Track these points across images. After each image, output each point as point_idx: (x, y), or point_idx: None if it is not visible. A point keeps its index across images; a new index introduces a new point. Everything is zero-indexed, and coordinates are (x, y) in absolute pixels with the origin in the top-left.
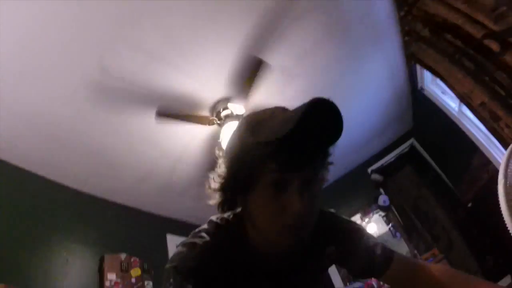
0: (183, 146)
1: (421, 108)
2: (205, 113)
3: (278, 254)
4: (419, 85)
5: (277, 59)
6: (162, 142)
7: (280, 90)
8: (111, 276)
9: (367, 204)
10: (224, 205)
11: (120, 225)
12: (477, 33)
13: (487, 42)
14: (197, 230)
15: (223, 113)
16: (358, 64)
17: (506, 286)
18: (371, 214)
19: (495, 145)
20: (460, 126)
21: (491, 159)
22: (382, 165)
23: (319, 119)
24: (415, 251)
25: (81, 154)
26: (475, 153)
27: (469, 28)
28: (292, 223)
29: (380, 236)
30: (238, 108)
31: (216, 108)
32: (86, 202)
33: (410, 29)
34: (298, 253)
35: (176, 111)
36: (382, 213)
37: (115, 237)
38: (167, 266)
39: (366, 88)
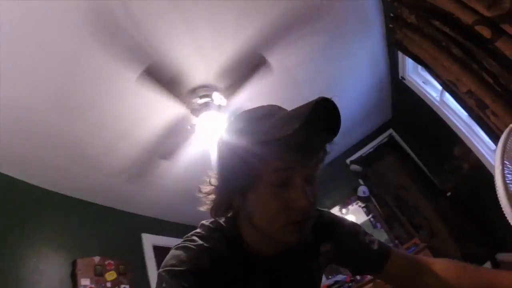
0: (157, 136)
1: (401, 98)
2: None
3: (274, 254)
4: (400, 74)
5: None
6: (136, 133)
7: (267, 90)
8: (84, 281)
9: (346, 195)
10: (219, 208)
11: (93, 226)
12: (468, 19)
13: (478, 28)
14: (189, 234)
15: (203, 100)
16: (342, 52)
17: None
18: (350, 205)
19: (476, 134)
20: (441, 115)
21: (472, 148)
22: (361, 155)
23: (321, 117)
24: (396, 241)
25: (49, 149)
26: (455, 142)
27: (460, 14)
28: (298, 219)
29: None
30: (221, 100)
31: (198, 93)
32: (56, 202)
33: (396, 16)
34: (294, 252)
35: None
36: (362, 204)
37: (88, 239)
38: (160, 271)
39: (348, 76)
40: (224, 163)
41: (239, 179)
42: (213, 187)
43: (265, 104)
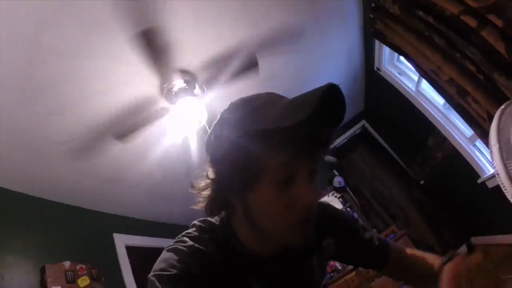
0: (115, 112)
1: (375, 89)
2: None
3: (273, 254)
4: (376, 65)
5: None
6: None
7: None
8: None
9: (321, 186)
10: (214, 206)
11: (61, 228)
12: (454, 9)
13: (464, 18)
14: (180, 235)
15: (182, 85)
16: (321, 41)
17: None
18: (326, 196)
19: (452, 123)
20: (417, 105)
21: (447, 136)
22: (335, 146)
23: (327, 105)
24: (374, 230)
25: (7, 144)
26: (430, 133)
27: (446, 4)
28: (303, 218)
29: None
30: (201, 90)
31: (181, 75)
32: (19, 203)
33: (377, 6)
34: (293, 252)
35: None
36: (338, 194)
37: (56, 242)
38: (149, 275)
39: (325, 66)
40: (221, 156)
41: (240, 174)
42: (209, 182)
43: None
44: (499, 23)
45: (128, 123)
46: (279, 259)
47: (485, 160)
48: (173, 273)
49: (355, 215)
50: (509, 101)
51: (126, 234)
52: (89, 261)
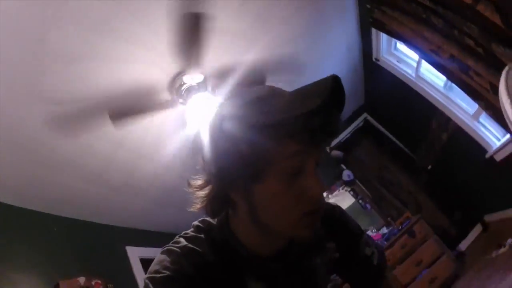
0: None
1: (375, 80)
2: (165, 97)
3: (273, 253)
4: (374, 56)
5: (234, 21)
6: (121, 136)
7: (239, 54)
8: None
9: (330, 182)
10: (215, 205)
11: (73, 243)
12: None
13: None
14: (177, 236)
15: (183, 88)
16: (319, 37)
17: None
18: (337, 191)
19: (453, 102)
20: (418, 90)
21: (450, 116)
22: (340, 141)
23: (333, 95)
24: (389, 219)
25: (11, 157)
26: (432, 115)
27: None
28: (313, 208)
29: (350, 209)
30: (196, 77)
31: (174, 86)
32: (27, 220)
33: None
34: (294, 250)
35: (130, 107)
36: (348, 188)
37: (68, 258)
38: (144, 277)
39: (325, 61)
40: (223, 149)
41: (245, 167)
42: (208, 179)
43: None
44: None
45: (127, 105)
46: (279, 258)
47: (491, 134)
48: (166, 274)
49: (368, 206)
50: (510, 63)
51: (139, 247)
52: (104, 275)
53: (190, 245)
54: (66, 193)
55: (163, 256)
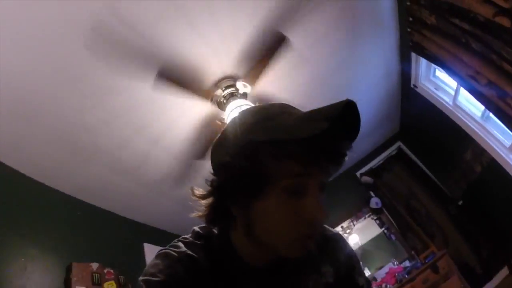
0: (188, 137)
1: (411, 107)
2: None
3: (268, 266)
4: (412, 82)
5: (293, 41)
6: (151, 125)
7: (287, 74)
8: None
9: (357, 208)
10: (215, 215)
11: (92, 229)
12: (488, 12)
13: (498, 19)
14: (176, 239)
15: (227, 91)
16: (357, 57)
17: None
18: (363, 218)
19: (490, 133)
20: (454, 119)
21: (485, 148)
22: (371, 167)
23: (344, 121)
24: (412, 252)
25: (49, 138)
26: (467, 146)
27: (479, 8)
28: (309, 232)
29: (374, 239)
30: (245, 87)
31: (221, 85)
32: (52, 199)
33: (415, 18)
34: (290, 265)
35: (178, 77)
36: (374, 216)
37: (85, 243)
38: (140, 278)
39: (361, 83)
40: (228, 162)
41: (247, 181)
42: (211, 190)
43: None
44: None
45: (200, 143)
46: (274, 272)
47: None
48: (160, 279)
49: (393, 236)
50: None
51: (157, 245)
52: (117, 267)
53: (188, 251)
54: (97, 182)
55: (160, 259)
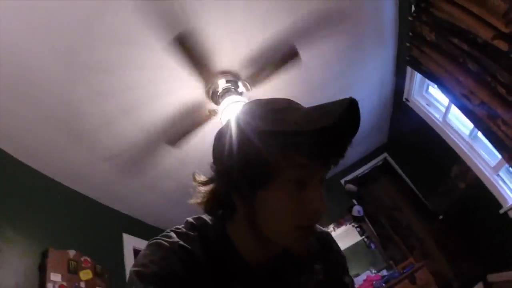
0: (166, 118)
1: (401, 120)
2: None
3: (264, 261)
4: (405, 96)
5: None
6: (144, 111)
7: (286, 80)
8: (55, 277)
9: (340, 215)
10: (214, 203)
11: (72, 215)
12: (487, 34)
13: (496, 42)
14: (168, 229)
15: (227, 85)
16: (356, 67)
17: None
18: (344, 225)
19: (476, 152)
20: (443, 136)
21: (471, 166)
22: (356, 176)
23: (349, 116)
24: (391, 261)
25: (32, 114)
26: (453, 164)
27: (479, 30)
28: (309, 223)
29: (354, 246)
30: (245, 87)
31: (224, 77)
32: (31, 180)
33: (415, 34)
34: (284, 262)
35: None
36: (356, 224)
37: (64, 229)
38: (131, 269)
39: (356, 92)
40: (235, 149)
41: (254, 171)
42: (213, 176)
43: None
44: None
45: (178, 128)
46: (269, 269)
47: (509, 189)
48: (152, 270)
49: (372, 245)
50: None
51: (136, 237)
52: (95, 256)
53: (181, 242)
54: (80, 166)
55: (152, 249)
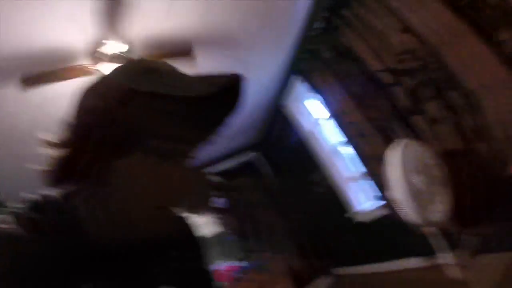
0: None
1: (274, 124)
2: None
3: (118, 246)
4: (283, 101)
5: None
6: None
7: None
8: None
9: (202, 204)
10: (64, 171)
11: None
12: (377, 65)
13: (381, 75)
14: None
15: (103, 56)
16: (249, 69)
17: None
18: (205, 214)
19: (335, 163)
20: (309, 145)
21: (328, 175)
22: (224, 168)
23: (230, 91)
24: (247, 253)
25: None
26: (315, 170)
27: (372, 60)
28: (171, 203)
29: (213, 237)
30: (117, 46)
31: (94, 54)
32: None
33: (311, 49)
34: (140, 248)
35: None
36: (216, 215)
37: None
38: None
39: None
40: (101, 105)
41: (117, 132)
42: (68, 137)
43: None
44: (411, 84)
45: (41, 69)
46: (120, 252)
47: (356, 199)
48: None
49: (229, 238)
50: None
51: None
52: None
53: (12, 229)
54: None
55: None
